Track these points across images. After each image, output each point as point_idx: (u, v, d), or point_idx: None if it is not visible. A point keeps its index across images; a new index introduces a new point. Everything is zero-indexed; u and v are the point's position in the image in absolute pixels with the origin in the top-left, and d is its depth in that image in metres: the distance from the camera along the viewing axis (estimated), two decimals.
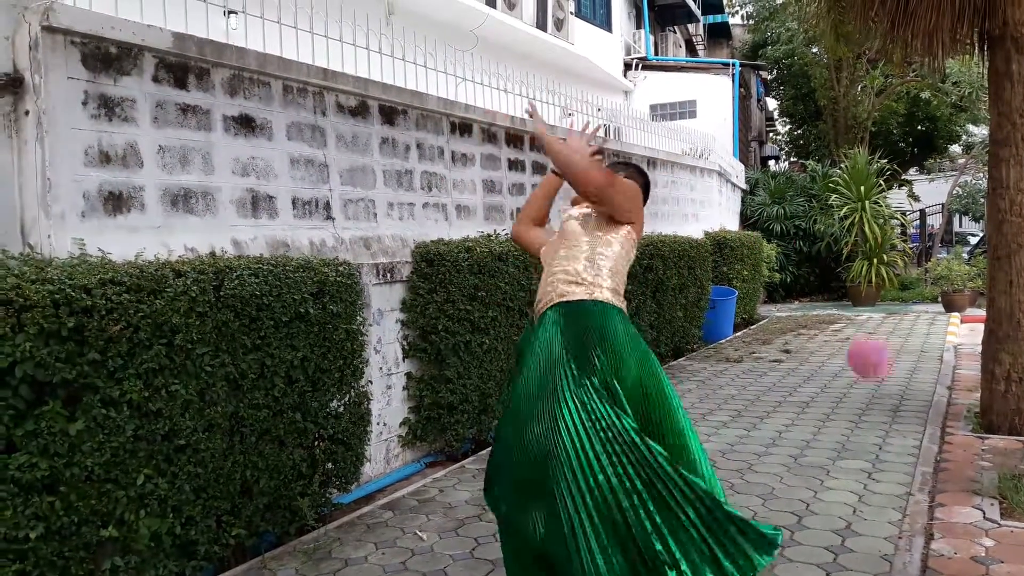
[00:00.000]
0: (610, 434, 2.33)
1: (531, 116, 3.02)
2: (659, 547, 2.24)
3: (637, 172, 3.08)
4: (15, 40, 3.33)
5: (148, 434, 3.09)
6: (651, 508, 2.27)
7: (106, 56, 3.59)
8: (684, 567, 2.24)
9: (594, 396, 2.40)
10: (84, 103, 3.51)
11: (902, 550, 3.44)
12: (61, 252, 3.30)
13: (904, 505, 4.00)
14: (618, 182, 2.74)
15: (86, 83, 3.52)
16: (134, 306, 3.01)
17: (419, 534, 3.84)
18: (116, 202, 3.62)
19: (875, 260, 14.14)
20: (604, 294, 2.68)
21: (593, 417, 2.36)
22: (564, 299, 2.66)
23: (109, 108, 3.61)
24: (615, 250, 2.76)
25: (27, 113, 3.34)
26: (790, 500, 4.14)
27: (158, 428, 3.13)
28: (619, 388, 2.44)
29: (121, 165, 3.65)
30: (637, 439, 2.32)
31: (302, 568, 3.49)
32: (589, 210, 2.85)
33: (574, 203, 3.00)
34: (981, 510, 3.89)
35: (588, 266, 2.71)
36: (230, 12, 4.62)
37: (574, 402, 2.40)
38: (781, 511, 3.99)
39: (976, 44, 5.61)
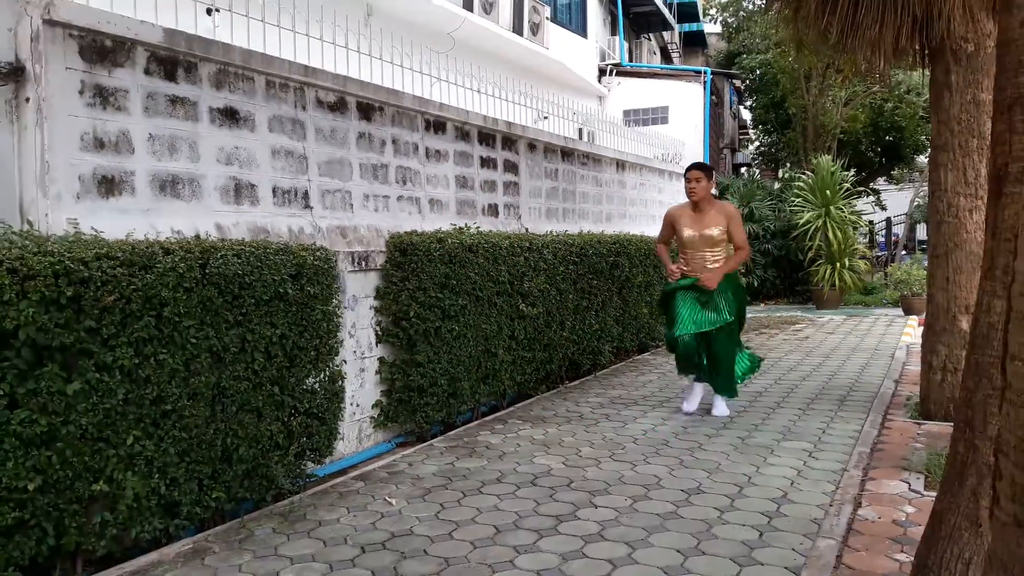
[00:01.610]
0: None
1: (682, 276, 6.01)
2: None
3: (708, 172, 5.94)
4: (17, 32, 3.56)
5: (137, 398, 3.35)
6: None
7: (102, 49, 3.84)
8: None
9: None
10: (80, 92, 3.75)
11: (831, 515, 3.77)
12: (57, 230, 3.54)
13: (838, 480, 4.34)
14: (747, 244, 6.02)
15: (83, 73, 3.76)
16: (127, 279, 3.26)
17: (388, 500, 4.12)
18: (108, 185, 3.87)
19: (838, 264, 14.59)
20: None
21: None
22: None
23: (103, 97, 3.86)
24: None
25: (27, 100, 3.57)
26: (734, 474, 4.47)
27: (147, 393, 3.38)
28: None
29: (114, 151, 3.90)
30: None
31: (279, 528, 3.75)
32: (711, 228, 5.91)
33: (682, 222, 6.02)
34: (907, 483, 4.24)
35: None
36: (213, 9, 4.88)
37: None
38: (724, 483, 4.32)
39: (919, 55, 5.97)
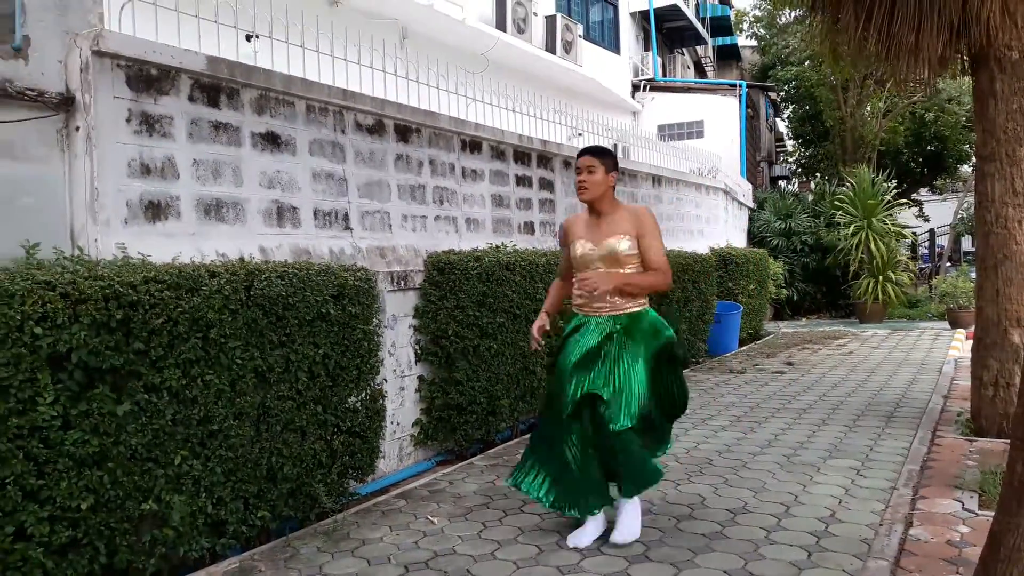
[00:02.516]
0: None
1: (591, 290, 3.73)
2: None
3: (605, 159, 3.87)
4: (67, 63, 3.68)
5: (185, 419, 3.40)
6: None
7: (148, 77, 3.94)
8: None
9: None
10: (128, 120, 3.86)
11: (881, 535, 3.68)
12: (106, 255, 3.63)
13: (888, 498, 4.24)
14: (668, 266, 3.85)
15: (129, 102, 3.87)
16: (174, 302, 3.33)
17: (430, 519, 4.12)
18: (155, 210, 3.96)
19: (881, 277, 14.35)
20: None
21: None
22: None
23: (149, 125, 3.95)
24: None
25: (77, 129, 3.68)
26: (779, 492, 4.40)
27: (194, 414, 3.43)
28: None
29: (160, 176, 3.99)
30: None
31: (323, 546, 3.77)
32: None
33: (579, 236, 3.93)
34: (960, 502, 4.12)
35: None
36: (253, 36, 4.98)
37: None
38: (770, 502, 4.24)
39: (963, 64, 5.88)
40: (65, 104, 3.65)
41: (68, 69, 3.67)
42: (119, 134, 3.81)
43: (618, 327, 3.76)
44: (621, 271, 3.76)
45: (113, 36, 3.77)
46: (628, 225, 3.80)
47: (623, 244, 3.75)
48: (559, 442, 3.73)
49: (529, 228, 7.20)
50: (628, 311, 3.80)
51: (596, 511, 3.73)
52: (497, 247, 6.08)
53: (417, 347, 5.47)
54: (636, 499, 3.78)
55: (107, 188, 3.74)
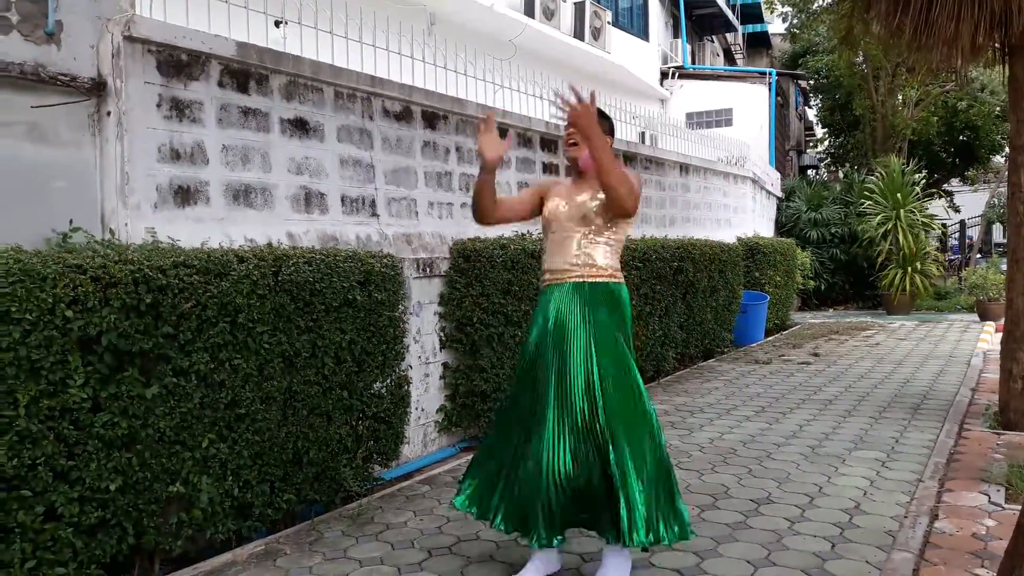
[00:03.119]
0: None
1: (567, 102, 3.09)
2: None
3: (609, 124, 3.38)
4: (99, 48, 3.71)
5: (212, 402, 3.44)
6: None
7: (178, 63, 3.97)
8: None
9: None
10: (158, 105, 3.89)
11: (906, 527, 3.65)
12: (136, 239, 3.67)
13: (913, 491, 4.20)
14: (637, 188, 3.13)
15: (160, 87, 3.90)
16: (203, 287, 3.35)
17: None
18: (184, 195, 3.99)
19: (909, 269, 14.16)
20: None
21: None
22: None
23: (179, 110, 3.98)
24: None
25: (108, 114, 3.71)
26: (804, 483, 4.37)
27: (221, 397, 3.47)
28: None
29: (189, 162, 4.02)
30: None
31: (347, 530, 3.81)
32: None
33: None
34: (987, 495, 4.08)
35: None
36: (282, 22, 5.00)
37: None
38: (794, 492, 4.22)
39: (997, 53, 5.76)
40: (97, 89, 3.69)
41: (100, 54, 3.70)
42: (149, 119, 3.84)
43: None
44: (593, 215, 3.20)
45: (144, 21, 3.79)
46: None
47: (592, 203, 3.21)
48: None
49: None
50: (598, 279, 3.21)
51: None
52: (523, 235, 6.07)
53: (442, 334, 5.48)
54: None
55: (137, 173, 3.78)
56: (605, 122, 3.32)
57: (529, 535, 3.04)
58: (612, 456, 2.94)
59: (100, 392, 3.04)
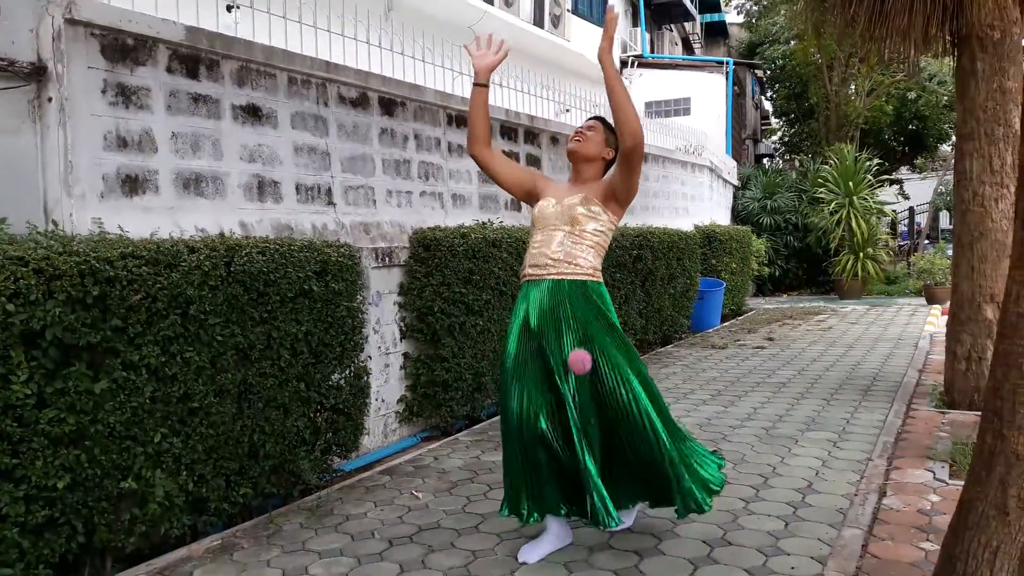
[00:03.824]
0: None
1: (610, 22, 3.20)
2: None
3: (609, 130, 3.41)
4: (39, 32, 3.57)
5: (164, 396, 3.36)
6: None
7: (123, 47, 3.85)
8: None
9: None
10: (103, 91, 3.77)
11: (856, 505, 3.74)
12: (82, 230, 3.56)
13: (863, 469, 4.30)
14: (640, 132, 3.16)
15: (105, 72, 3.78)
16: (152, 278, 3.27)
17: (415, 494, 4.12)
18: (132, 184, 3.89)
19: (861, 254, 14.45)
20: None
21: None
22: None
23: (126, 96, 3.87)
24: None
25: (50, 100, 3.58)
26: (758, 464, 4.44)
27: (173, 391, 3.39)
28: None
29: (137, 150, 3.91)
30: None
31: (306, 523, 3.76)
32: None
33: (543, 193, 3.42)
34: (932, 472, 4.20)
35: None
36: (233, 7, 4.89)
37: None
38: (749, 473, 4.29)
39: (946, 43, 5.88)
40: (37, 74, 3.56)
41: (40, 38, 3.56)
42: (94, 106, 3.73)
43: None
44: (574, 259, 3.23)
45: (87, 4, 3.66)
46: (599, 190, 3.32)
47: (583, 209, 3.25)
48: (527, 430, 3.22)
49: (516, 205, 7.15)
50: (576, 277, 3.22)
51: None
52: (484, 224, 6.04)
53: (402, 324, 5.44)
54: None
55: (82, 161, 3.66)
56: (615, 136, 3.34)
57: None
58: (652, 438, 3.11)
59: (45, 388, 2.95)
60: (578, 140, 3.37)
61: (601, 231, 3.30)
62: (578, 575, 3.11)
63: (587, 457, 3.08)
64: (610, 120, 3.33)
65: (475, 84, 3.39)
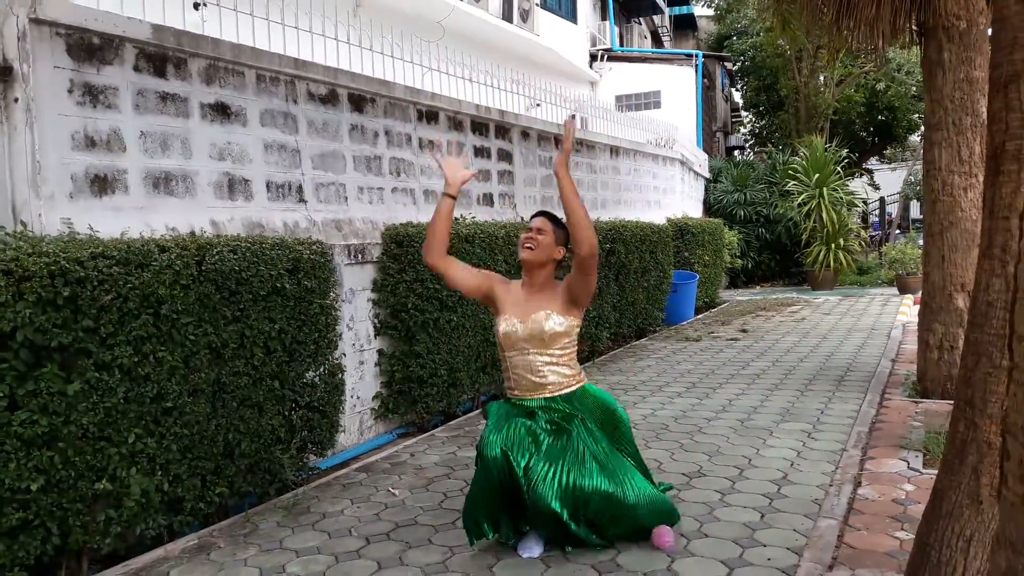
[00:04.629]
0: None
1: (567, 132, 3.38)
2: None
3: (558, 228, 3.54)
4: (3, 31, 3.53)
5: (138, 397, 3.34)
6: None
7: (90, 46, 3.81)
8: None
9: None
10: (70, 91, 3.73)
11: (831, 495, 3.79)
12: (51, 230, 3.53)
13: (838, 460, 4.36)
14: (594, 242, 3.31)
15: (71, 72, 3.74)
16: (123, 278, 3.25)
17: (391, 491, 4.13)
18: (102, 184, 3.85)
19: (833, 245, 14.61)
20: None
21: None
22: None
23: (93, 95, 3.83)
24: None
25: (16, 100, 3.55)
26: (734, 456, 4.49)
27: (147, 391, 3.37)
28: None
29: (106, 149, 3.88)
30: None
31: (283, 521, 3.76)
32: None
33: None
34: (906, 461, 4.26)
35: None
36: (200, 4, 4.85)
37: None
38: (725, 465, 4.34)
39: (913, 34, 5.96)
40: (3, 74, 3.51)
41: (4, 38, 3.52)
42: (61, 105, 3.69)
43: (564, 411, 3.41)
44: (559, 373, 3.42)
45: (52, 3, 3.62)
46: (556, 298, 3.43)
47: (550, 322, 3.37)
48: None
49: (488, 200, 7.17)
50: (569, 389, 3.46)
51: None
52: (456, 219, 6.05)
53: (376, 321, 5.43)
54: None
55: (50, 161, 3.62)
56: (563, 232, 3.51)
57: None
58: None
59: (17, 389, 2.93)
60: (529, 248, 3.45)
61: (570, 340, 3.46)
62: (556, 570, 3.14)
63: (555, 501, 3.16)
64: (556, 214, 3.55)
65: (445, 195, 3.44)
